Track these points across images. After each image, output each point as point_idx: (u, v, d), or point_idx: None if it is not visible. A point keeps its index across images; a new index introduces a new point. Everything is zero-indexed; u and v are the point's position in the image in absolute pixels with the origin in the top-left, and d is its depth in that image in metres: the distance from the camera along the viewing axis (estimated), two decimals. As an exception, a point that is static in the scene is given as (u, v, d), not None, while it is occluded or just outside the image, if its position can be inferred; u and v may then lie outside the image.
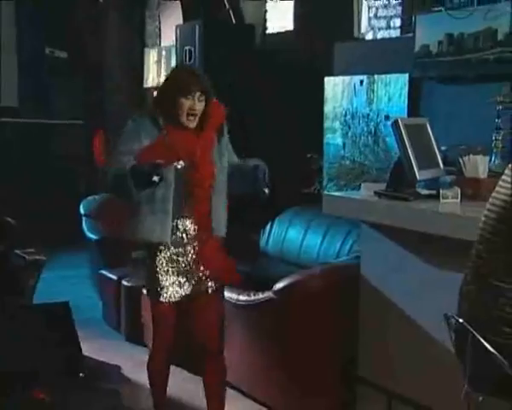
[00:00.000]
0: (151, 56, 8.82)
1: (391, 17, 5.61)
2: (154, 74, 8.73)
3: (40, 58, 9.01)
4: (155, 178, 3.13)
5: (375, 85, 5.41)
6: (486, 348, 2.26)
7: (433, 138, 3.75)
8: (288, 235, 5.64)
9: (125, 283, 5.58)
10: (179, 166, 3.43)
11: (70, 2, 8.79)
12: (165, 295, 3.51)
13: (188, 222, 3.50)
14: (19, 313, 4.64)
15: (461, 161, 3.58)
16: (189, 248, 3.52)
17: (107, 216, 6.46)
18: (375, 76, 5.40)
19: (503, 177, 2.33)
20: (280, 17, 6.84)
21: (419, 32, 4.87)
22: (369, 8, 5.78)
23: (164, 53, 8.52)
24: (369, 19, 5.79)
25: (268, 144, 6.37)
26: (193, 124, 3.44)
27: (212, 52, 6.53)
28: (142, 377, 4.65)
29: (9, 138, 8.78)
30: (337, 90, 5.75)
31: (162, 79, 8.36)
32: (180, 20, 7.71)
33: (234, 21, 7.22)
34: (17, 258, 4.90)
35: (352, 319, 3.94)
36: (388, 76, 5.29)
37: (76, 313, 4.73)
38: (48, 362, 4.35)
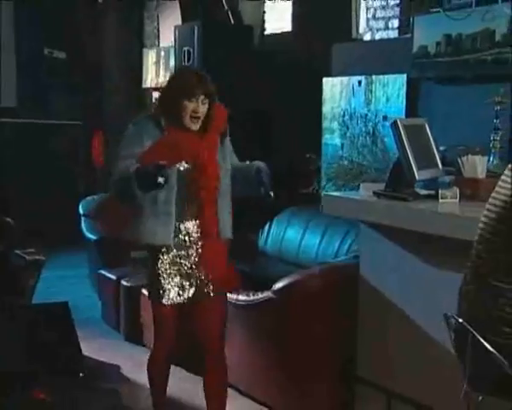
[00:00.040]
0: (150, 57, 8.83)
1: (389, 18, 5.63)
2: (153, 75, 8.74)
3: (39, 58, 9.00)
4: (160, 180, 3.11)
5: (373, 86, 5.43)
6: (486, 347, 2.26)
7: (431, 139, 3.75)
8: (287, 235, 5.65)
9: (124, 282, 5.57)
10: (182, 168, 3.41)
11: (69, 2, 8.78)
12: (166, 297, 3.48)
13: (190, 224, 3.48)
14: (19, 313, 4.63)
15: (459, 161, 3.58)
16: (191, 250, 3.50)
17: (106, 216, 6.47)
18: (373, 77, 5.42)
19: (503, 177, 2.33)
20: (278, 18, 6.87)
21: (417, 33, 4.90)
22: (367, 9, 5.81)
23: (162, 54, 8.52)
24: (368, 20, 5.81)
25: (266, 145, 6.40)
26: (196, 126, 3.42)
27: (211, 53, 6.54)
28: (141, 376, 4.66)
29: (8, 138, 8.78)
30: (335, 90, 5.77)
31: (161, 79, 8.41)
32: (179, 21, 7.72)
33: (232, 22, 7.23)
34: (17, 258, 4.89)
35: (351, 319, 3.93)
36: (386, 77, 5.31)
37: (75, 313, 4.74)
38: (48, 362, 4.35)
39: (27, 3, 8.75)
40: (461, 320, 2.39)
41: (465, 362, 2.41)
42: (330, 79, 5.82)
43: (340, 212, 4.03)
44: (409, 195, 3.50)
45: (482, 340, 2.27)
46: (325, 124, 5.88)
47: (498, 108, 3.81)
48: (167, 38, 8.26)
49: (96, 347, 5.13)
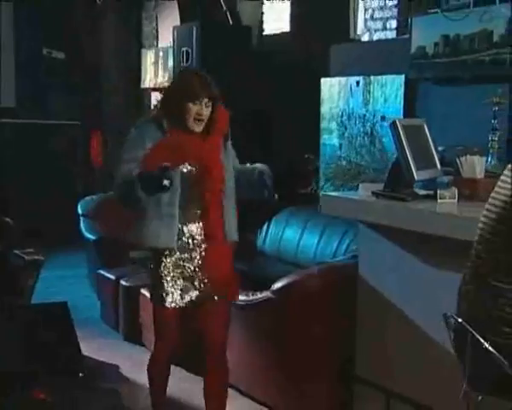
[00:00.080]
0: (148, 57, 8.84)
1: (387, 19, 5.64)
2: (152, 75, 8.75)
3: (37, 58, 9.01)
4: (166, 182, 3.09)
5: (372, 86, 5.44)
6: (486, 347, 2.26)
7: (430, 139, 3.76)
8: (285, 234, 5.67)
9: (123, 282, 5.58)
10: (185, 170, 3.39)
11: (67, 3, 8.79)
12: (169, 300, 3.46)
13: (194, 227, 3.47)
14: (18, 313, 4.63)
15: (458, 161, 3.58)
16: (195, 253, 3.47)
17: (105, 216, 6.48)
18: (372, 77, 5.43)
19: (502, 177, 2.33)
20: (276, 18, 6.88)
21: (415, 34, 4.92)
22: (365, 9, 5.81)
23: (161, 54, 8.53)
24: (366, 20, 5.82)
25: (265, 145, 6.41)
26: (199, 128, 3.41)
27: (210, 53, 6.56)
28: (140, 376, 4.68)
29: (7, 139, 8.78)
30: (333, 91, 5.78)
31: (160, 79, 8.41)
32: (177, 22, 7.73)
33: (231, 23, 7.24)
34: (16, 258, 4.88)
35: (350, 319, 3.94)
36: (384, 77, 5.32)
37: (74, 313, 4.73)
38: (47, 362, 4.35)
39: (26, 4, 8.76)
40: (460, 320, 2.39)
41: (465, 362, 2.41)
42: (328, 79, 5.83)
43: (339, 212, 4.03)
44: (407, 195, 3.51)
45: (482, 340, 2.27)
46: (323, 124, 5.89)
47: (496, 108, 3.82)
48: (166, 39, 8.27)
49: (95, 347, 5.13)
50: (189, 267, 3.47)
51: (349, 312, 3.94)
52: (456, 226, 3.15)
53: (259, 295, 4.18)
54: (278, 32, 6.87)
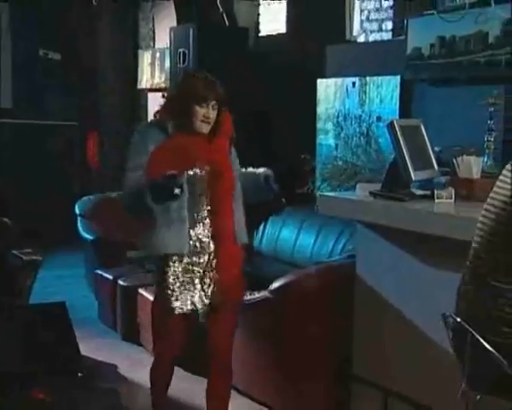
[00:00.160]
0: (145, 58, 8.84)
1: (382, 20, 5.67)
2: (148, 76, 8.76)
3: (34, 60, 9.01)
4: (177, 191, 3.06)
5: (367, 87, 5.47)
6: (485, 347, 2.27)
7: (427, 139, 3.78)
8: (282, 234, 5.69)
9: (120, 282, 5.58)
10: (192, 173, 3.33)
11: (64, 4, 8.80)
12: (179, 306, 3.40)
13: (202, 230, 3.41)
14: (16, 313, 4.63)
15: (455, 161, 3.61)
16: (203, 257, 3.42)
17: (102, 216, 6.50)
18: (367, 78, 5.46)
19: (501, 177, 2.33)
20: (273, 20, 6.91)
21: (411, 35, 4.95)
22: (361, 11, 5.85)
23: (158, 55, 8.55)
24: (361, 22, 5.85)
25: (261, 145, 6.44)
26: (206, 129, 3.36)
27: (206, 54, 6.58)
28: (138, 376, 4.72)
29: (4, 139, 8.78)
30: (329, 91, 5.81)
31: (156, 80, 8.43)
32: (174, 23, 7.74)
33: (227, 24, 7.26)
34: (14, 258, 4.87)
35: (348, 319, 3.95)
36: (380, 78, 5.35)
37: (72, 313, 4.73)
38: (46, 362, 4.35)
39: (22, 5, 8.76)
40: (459, 320, 2.40)
41: (463, 361, 2.42)
42: (324, 80, 5.87)
43: (337, 212, 4.05)
44: (405, 195, 3.53)
45: (481, 340, 2.28)
46: (319, 125, 5.92)
47: (492, 109, 3.83)
48: (162, 40, 8.29)
49: (93, 346, 5.13)
50: (198, 271, 3.41)
51: (346, 311, 3.94)
52: (453, 226, 3.17)
53: (257, 295, 4.18)
54: (274, 33, 6.90)
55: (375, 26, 5.74)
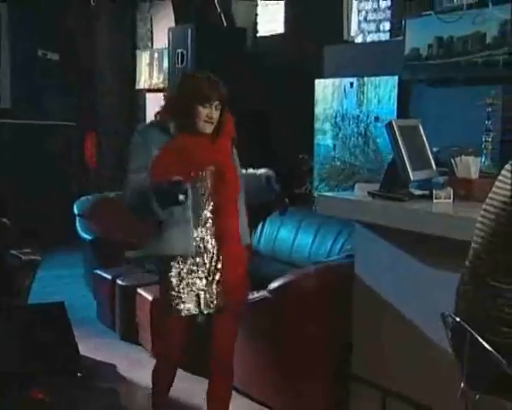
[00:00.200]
0: (143, 59, 8.84)
1: (380, 21, 5.68)
2: (146, 76, 8.76)
3: (32, 60, 9.02)
4: (182, 198, 3.06)
5: (365, 88, 5.48)
6: (484, 346, 2.27)
7: (425, 140, 3.79)
8: (280, 234, 5.71)
9: (119, 282, 5.59)
10: (192, 174, 3.30)
11: (62, 4, 8.80)
12: (185, 308, 3.38)
13: (205, 230, 3.40)
14: (15, 313, 4.63)
15: (453, 162, 3.62)
16: (207, 259, 3.41)
17: (101, 216, 6.52)
18: (365, 78, 5.47)
19: (500, 177, 2.33)
20: (270, 20, 6.91)
21: (409, 36, 4.96)
22: (358, 11, 5.85)
23: (156, 55, 8.55)
24: (359, 22, 5.86)
25: (259, 146, 6.45)
26: (210, 129, 3.35)
27: (204, 55, 6.58)
28: (137, 375, 4.73)
29: (2, 139, 8.79)
30: (327, 92, 5.83)
31: (154, 81, 8.43)
32: (172, 23, 7.74)
33: (225, 24, 7.27)
34: (13, 258, 4.88)
35: (346, 318, 3.95)
36: (378, 78, 5.36)
37: (70, 313, 4.73)
38: (45, 362, 4.36)
39: (21, 5, 8.76)
40: (458, 319, 2.40)
41: (462, 361, 2.42)
42: (322, 80, 5.88)
43: (336, 212, 4.05)
44: (403, 195, 3.53)
45: (481, 339, 2.28)
46: (317, 125, 5.93)
47: (490, 109, 3.85)
48: (160, 40, 8.29)
49: (92, 346, 5.14)
50: (202, 272, 3.40)
51: (345, 311, 3.95)
52: (451, 226, 3.18)
53: (256, 295, 4.18)
54: (272, 33, 6.90)
55: (372, 26, 5.75)
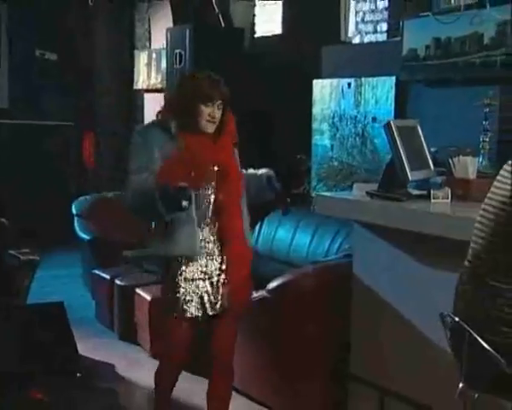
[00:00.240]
0: (141, 59, 8.84)
1: (377, 22, 5.69)
2: (145, 77, 8.75)
3: (31, 60, 9.02)
4: (185, 204, 3.05)
5: (363, 88, 5.49)
6: (483, 346, 2.28)
7: (423, 140, 3.81)
8: (278, 234, 5.71)
9: (117, 282, 5.61)
10: (193, 173, 3.26)
11: (61, 4, 8.81)
12: (190, 310, 3.36)
13: (209, 231, 3.39)
14: (14, 313, 4.64)
15: (451, 162, 3.63)
16: (211, 259, 3.39)
17: (99, 216, 6.53)
18: (363, 79, 5.48)
19: (499, 177, 2.34)
20: (268, 21, 6.91)
21: (407, 37, 4.96)
22: (356, 12, 5.86)
23: (154, 56, 8.55)
24: (357, 23, 5.87)
25: (257, 146, 6.45)
26: (212, 128, 3.33)
27: (202, 55, 6.58)
28: (135, 375, 4.75)
29: (1, 139, 8.79)
30: (325, 92, 5.83)
31: (152, 81, 8.43)
32: (170, 24, 7.75)
33: (223, 25, 7.28)
34: (11, 258, 4.88)
35: (345, 318, 3.96)
36: (375, 79, 5.37)
37: (69, 313, 4.75)
38: (45, 362, 4.37)
39: (19, 5, 8.77)
40: (457, 319, 2.41)
41: (461, 360, 2.43)
42: (320, 81, 5.88)
43: (334, 212, 4.06)
44: (402, 195, 3.54)
45: (480, 339, 2.29)
46: (315, 125, 5.94)
47: (487, 110, 3.86)
48: (158, 41, 8.29)
49: (91, 346, 5.14)
50: (207, 273, 3.38)
51: (344, 311, 3.95)
52: (449, 226, 3.19)
53: (254, 295, 4.18)
54: (270, 34, 6.90)
55: (370, 27, 5.76)
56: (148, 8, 8.72)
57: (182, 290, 3.35)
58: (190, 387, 4.31)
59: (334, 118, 5.78)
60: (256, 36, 7.10)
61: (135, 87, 8.98)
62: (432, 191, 3.52)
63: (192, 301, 3.36)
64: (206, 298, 3.38)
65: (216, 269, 3.40)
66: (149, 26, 8.73)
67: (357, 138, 5.57)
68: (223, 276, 3.41)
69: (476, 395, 2.49)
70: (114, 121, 8.90)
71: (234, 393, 4.23)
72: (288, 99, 6.26)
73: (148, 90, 8.67)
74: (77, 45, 9.15)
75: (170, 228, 3.27)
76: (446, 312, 2.52)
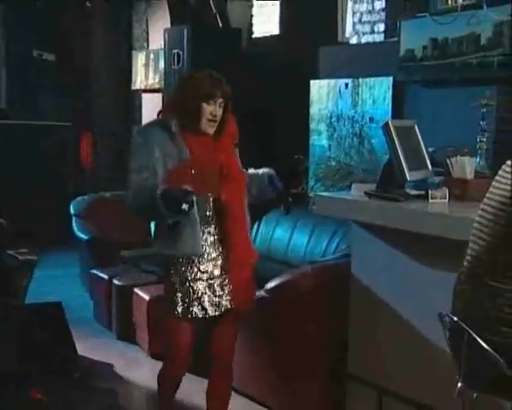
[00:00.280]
0: (139, 59, 8.85)
1: (375, 22, 5.72)
2: (142, 77, 8.76)
3: (28, 60, 9.03)
4: (185, 207, 3.04)
5: (360, 88, 5.50)
6: (482, 346, 2.28)
7: (421, 140, 3.82)
8: (276, 234, 5.72)
9: (115, 282, 5.60)
10: (193, 172, 3.26)
11: (58, 5, 8.81)
12: (189, 311, 3.33)
13: (212, 231, 3.37)
14: (13, 313, 4.64)
15: (448, 162, 3.63)
16: (214, 260, 3.37)
17: (97, 216, 6.54)
18: (360, 79, 5.49)
19: (498, 177, 2.34)
20: (266, 21, 6.93)
21: (404, 37, 4.97)
22: (353, 13, 5.89)
23: (152, 56, 8.55)
24: (354, 23, 5.89)
25: (255, 146, 6.46)
26: (212, 129, 3.32)
27: (200, 55, 6.58)
28: (134, 375, 4.76)
29: (-1, 139, 8.83)
30: (322, 92, 5.85)
31: (150, 81, 8.44)
32: (167, 24, 7.76)
33: (220, 25, 7.29)
34: (9, 258, 4.88)
35: (343, 318, 3.96)
36: (373, 79, 5.38)
37: (67, 313, 4.76)
38: (43, 362, 4.37)
39: (17, 6, 8.76)
40: (456, 319, 2.41)
41: (460, 360, 2.43)
42: (317, 81, 5.89)
43: (332, 212, 4.07)
44: (399, 195, 3.55)
45: (479, 339, 2.29)
46: (313, 125, 5.95)
47: (484, 110, 3.87)
48: (156, 41, 8.30)
49: (89, 346, 5.14)
50: (210, 273, 3.36)
51: (342, 311, 3.96)
52: (447, 226, 3.20)
53: (254, 295, 4.22)
54: (267, 34, 6.92)
55: (367, 28, 5.78)
56: (145, 8, 8.73)
57: (184, 291, 3.33)
58: (190, 387, 4.28)
59: (331, 118, 5.79)
60: (253, 36, 7.12)
61: (133, 87, 8.99)
62: (430, 191, 3.52)
63: (194, 301, 3.33)
64: (208, 299, 3.35)
65: (219, 270, 3.38)
66: (147, 26, 8.74)
67: (355, 138, 5.59)
68: (226, 277, 3.39)
69: (475, 395, 2.50)
70: (112, 122, 8.91)
71: (233, 393, 4.24)
72: (286, 99, 6.28)
73: (145, 91, 8.67)
74: (74, 46, 9.15)
75: (173, 228, 3.26)
76: (445, 311, 2.52)
